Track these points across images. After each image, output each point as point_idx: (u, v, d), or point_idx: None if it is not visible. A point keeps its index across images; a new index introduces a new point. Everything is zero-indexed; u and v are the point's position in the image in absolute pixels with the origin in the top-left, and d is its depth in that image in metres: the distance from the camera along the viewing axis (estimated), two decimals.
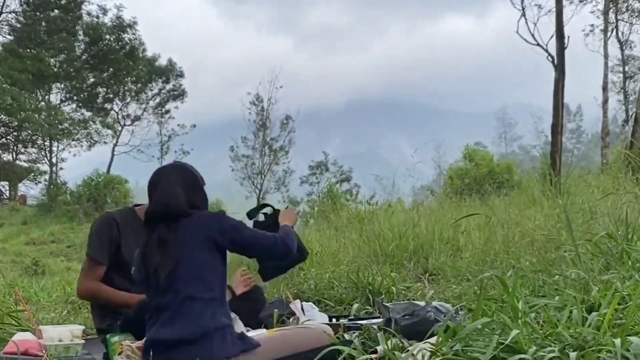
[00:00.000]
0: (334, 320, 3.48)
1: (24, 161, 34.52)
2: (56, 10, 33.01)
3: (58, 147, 34.71)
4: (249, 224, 2.92)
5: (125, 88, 37.10)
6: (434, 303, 3.23)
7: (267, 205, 3.35)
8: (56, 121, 32.38)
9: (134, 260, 2.62)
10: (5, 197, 33.46)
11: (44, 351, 3.06)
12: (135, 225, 3.22)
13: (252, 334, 2.78)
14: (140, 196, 35.39)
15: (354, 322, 3.35)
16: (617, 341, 1.83)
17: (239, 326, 2.99)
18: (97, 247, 3.20)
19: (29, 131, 32.91)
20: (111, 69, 35.64)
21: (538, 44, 17.34)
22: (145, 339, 2.50)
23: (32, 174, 34.22)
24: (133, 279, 2.66)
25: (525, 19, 17.63)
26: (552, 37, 12.33)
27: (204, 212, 2.55)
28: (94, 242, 3.21)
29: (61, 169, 34.79)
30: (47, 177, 34.04)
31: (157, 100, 38.17)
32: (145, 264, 2.49)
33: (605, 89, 22.93)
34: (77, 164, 36.77)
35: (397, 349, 2.56)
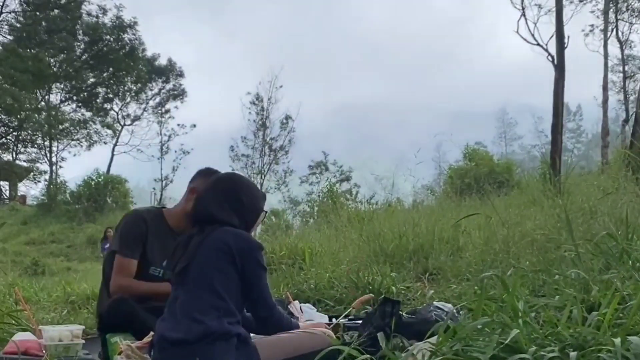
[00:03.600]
0: (334, 320, 3.48)
1: (24, 161, 34.59)
2: (56, 10, 33.02)
3: (58, 147, 34.76)
4: None
5: (125, 88, 37.13)
6: (435, 303, 3.23)
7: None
8: (56, 121, 32.40)
9: (154, 260, 2.60)
10: (5, 197, 33.46)
11: (44, 351, 3.07)
12: (162, 227, 3.23)
13: (252, 334, 2.79)
14: (140, 196, 35.43)
15: (354, 322, 3.35)
16: (617, 341, 1.83)
17: None
18: (128, 244, 3.19)
19: (29, 131, 32.96)
20: (111, 69, 35.66)
21: (538, 44, 17.38)
22: (156, 330, 2.49)
23: (32, 174, 34.24)
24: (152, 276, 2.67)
25: (525, 19, 17.68)
26: (552, 37, 12.36)
27: (241, 232, 2.48)
28: (124, 239, 3.20)
29: (61, 167, 34.84)
30: (47, 177, 34.08)
31: (157, 100, 38.21)
32: (172, 257, 2.53)
33: (605, 88, 22.94)
34: (77, 164, 36.82)
35: (397, 349, 2.56)
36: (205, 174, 3.26)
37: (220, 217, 2.48)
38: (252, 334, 2.78)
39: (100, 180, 28.16)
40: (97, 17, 34.30)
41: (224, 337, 2.32)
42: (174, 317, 2.39)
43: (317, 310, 3.90)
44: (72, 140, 34.58)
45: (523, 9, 17.85)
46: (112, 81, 36.44)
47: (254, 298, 2.44)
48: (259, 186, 29.57)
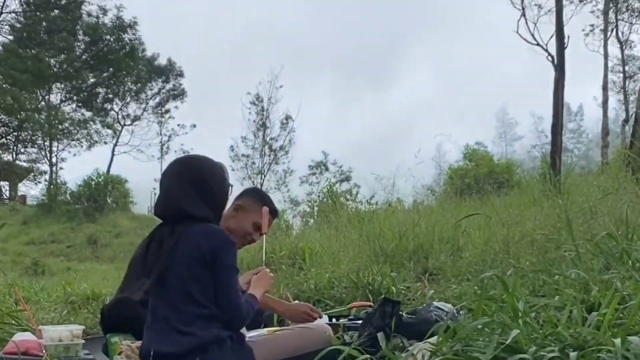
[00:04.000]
0: (334, 320, 3.48)
1: (24, 161, 34.58)
2: (56, 10, 33.02)
3: (58, 147, 34.73)
4: None
5: (125, 88, 37.11)
6: (435, 303, 3.23)
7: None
8: (56, 121, 32.41)
9: None
10: (6, 197, 33.46)
11: (44, 351, 3.06)
12: None
13: (252, 334, 2.78)
14: (140, 196, 35.43)
15: (353, 322, 3.35)
16: (617, 341, 1.83)
17: None
18: None
19: (29, 131, 32.96)
20: (111, 69, 35.66)
21: (538, 44, 17.38)
22: (141, 345, 2.38)
23: (32, 174, 34.24)
24: None
25: (525, 19, 17.68)
26: (552, 37, 12.36)
27: (212, 228, 2.29)
28: None
29: (61, 168, 34.82)
30: (47, 177, 34.07)
31: (157, 100, 38.21)
32: (145, 260, 2.33)
33: (605, 88, 22.93)
34: (77, 164, 36.80)
35: (397, 349, 2.56)
36: (253, 193, 3.25)
37: (192, 212, 2.29)
38: (251, 333, 2.78)
39: (100, 180, 28.14)
40: (97, 17, 34.34)
41: (217, 343, 2.22)
42: (161, 330, 2.27)
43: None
44: (72, 140, 34.57)
45: (523, 9, 17.86)
46: (112, 81, 36.43)
47: (221, 305, 2.25)
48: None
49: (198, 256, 2.22)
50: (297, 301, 3.68)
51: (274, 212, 3.25)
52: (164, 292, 2.27)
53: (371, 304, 3.93)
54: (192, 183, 2.33)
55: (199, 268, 2.22)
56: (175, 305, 2.24)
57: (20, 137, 34.03)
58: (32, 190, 34.57)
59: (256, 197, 3.13)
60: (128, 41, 35.25)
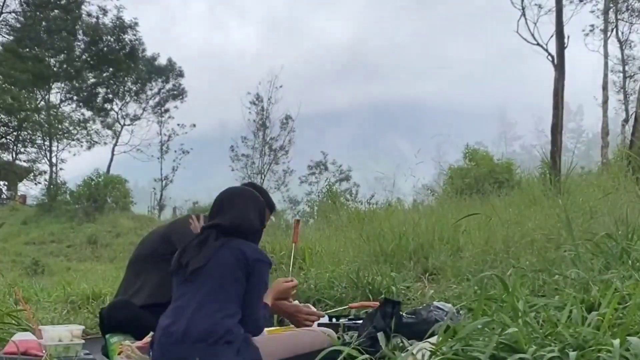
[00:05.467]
0: (334, 320, 3.49)
1: (24, 161, 34.47)
2: (56, 10, 32.99)
3: (58, 147, 34.68)
4: None
5: (125, 88, 37.09)
6: (435, 303, 3.23)
7: None
8: (56, 121, 32.38)
9: None
10: (6, 197, 33.45)
11: (44, 351, 3.06)
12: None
13: None
14: (140, 196, 35.41)
15: (354, 322, 3.35)
16: (617, 341, 1.83)
17: None
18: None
19: (29, 131, 32.88)
20: (111, 69, 35.63)
21: (538, 44, 17.39)
22: (158, 326, 2.53)
23: (32, 174, 34.20)
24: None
25: (525, 19, 17.69)
26: (552, 37, 12.37)
27: (256, 246, 2.63)
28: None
29: (61, 169, 34.78)
30: (47, 177, 34.03)
31: (157, 99, 38.17)
32: (181, 257, 2.60)
33: (605, 88, 22.92)
34: (77, 164, 36.72)
35: (397, 349, 2.56)
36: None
37: (246, 232, 2.64)
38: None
39: (100, 180, 28.12)
40: (97, 17, 34.32)
41: (227, 338, 2.38)
42: (181, 313, 2.45)
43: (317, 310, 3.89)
44: (72, 140, 34.53)
45: (523, 9, 17.89)
46: (112, 81, 36.39)
47: (246, 314, 2.50)
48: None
49: (242, 262, 2.49)
50: (296, 301, 3.68)
51: (271, 207, 3.26)
52: (199, 281, 2.49)
53: (375, 303, 3.92)
54: (259, 211, 2.75)
55: (239, 271, 2.49)
56: (204, 293, 2.46)
57: (20, 137, 33.96)
58: (32, 190, 34.55)
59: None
60: (128, 41, 35.23)
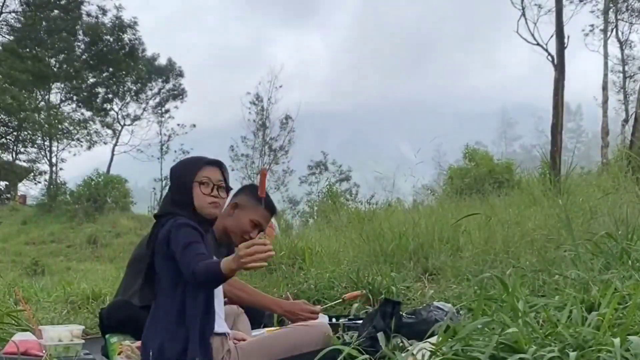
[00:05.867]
0: (334, 320, 3.49)
1: (24, 161, 34.50)
2: (56, 10, 32.99)
3: (58, 147, 34.69)
4: None
5: (125, 88, 37.09)
6: (435, 303, 3.23)
7: None
8: (56, 121, 32.36)
9: None
10: (6, 197, 33.44)
11: (44, 351, 3.06)
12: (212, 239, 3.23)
13: (252, 333, 2.79)
14: (140, 196, 35.40)
15: (353, 322, 3.35)
16: (617, 341, 1.83)
17: (244, 321, 3.01)
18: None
19: (29, 131, 32.89)
20: (111, 69, 35.63)
21: (538, 44, 17.40)
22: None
23: (32, 174, 34.20)
24: None
25: (525, 19, 17.70)
26: (552, 37, 12.38)
27: (169, 219, 2.39)
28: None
29: (61, 169, 34.79)
30: (47, 177, 34.04)
31: (157, 100, 38.17)
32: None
33: (605, 88, 22.92)
34: (77, 164, 36.73)
35: (397, 349, 2.56)
36: (250, 190, 3.23)
37: (160, 212, 2.48)
38: (253, 334, 2.77)
39: (100, 180, 28.14)
40: (96, 17, 34.31)
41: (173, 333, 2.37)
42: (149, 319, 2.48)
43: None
44: (72, 140, 34.53)
45: (523, 9, 17.90)
46: (112, 81, 36.39)
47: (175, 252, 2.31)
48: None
49: (161, 250, 2.35)
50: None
51: (271, 209, 3.25)
52: (153, 282, 2.46)
53: (361, 292, 3.98)
54: (169, 186, 2.53)
55: (164, 261, 2.36)
56: (156, 296, 2.43)
57: (20, 137, 33.96)
58: (32, 190, 34.57)
59: (254, 193, 3.10)
60: (128, 41, 35.23)
